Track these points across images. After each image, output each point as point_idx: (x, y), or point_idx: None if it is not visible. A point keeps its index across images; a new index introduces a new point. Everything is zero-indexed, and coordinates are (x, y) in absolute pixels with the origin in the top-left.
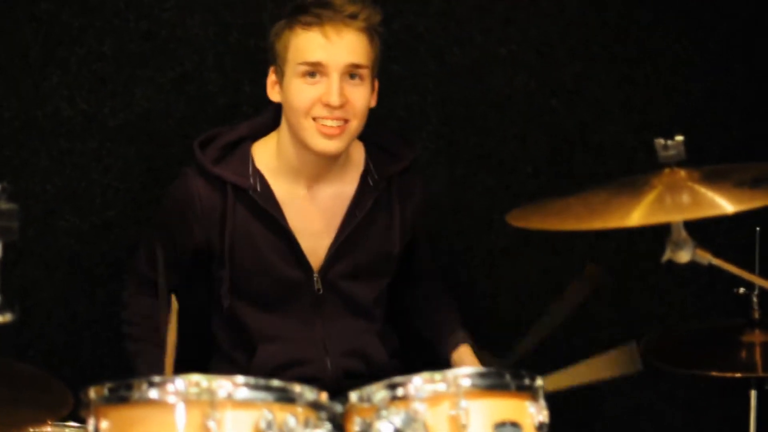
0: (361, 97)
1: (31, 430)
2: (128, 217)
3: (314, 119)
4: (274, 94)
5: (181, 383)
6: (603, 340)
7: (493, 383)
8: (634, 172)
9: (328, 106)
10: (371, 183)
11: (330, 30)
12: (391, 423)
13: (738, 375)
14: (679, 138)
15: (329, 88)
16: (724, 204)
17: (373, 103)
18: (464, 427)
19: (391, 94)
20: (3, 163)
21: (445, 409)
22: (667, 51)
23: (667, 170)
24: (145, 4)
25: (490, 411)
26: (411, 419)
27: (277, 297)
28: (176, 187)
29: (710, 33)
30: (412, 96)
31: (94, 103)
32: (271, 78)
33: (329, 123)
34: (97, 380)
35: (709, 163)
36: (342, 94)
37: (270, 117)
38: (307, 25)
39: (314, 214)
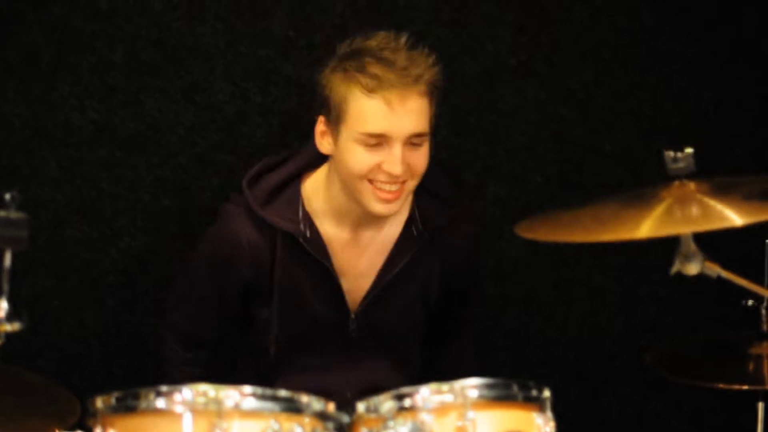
0: (422, 160)
1: None
2: (138, 226)
3: (371, 181)
4: (324, 145)
5: (188, 393)
6: (611, 351)
7: (501, 394)
8: (644, 180)
9: (389, 174)
10: (415, 233)
11: (394, 98)
12: None
13: (745, 387)
14: (689, 150)
15: (391, 157)
16: (734, 217)
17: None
18: None
19: None
20: (13, 172)
21: (452, 420)
22: (678, 59)
23: (676, 182)
24: (155, 12)
25: (497, 422)
26: (418, 430)
27: (310, 337)
28: (222, 227)
29: (721, 41)
30: None
31: (104, 112)
32: (320, 128)
33: (388, 188)
34: (106, 389)
35: (720, 171)
36: (405, 163)
37: (314, 152)
38: (370, 91)
39: (357, 257)
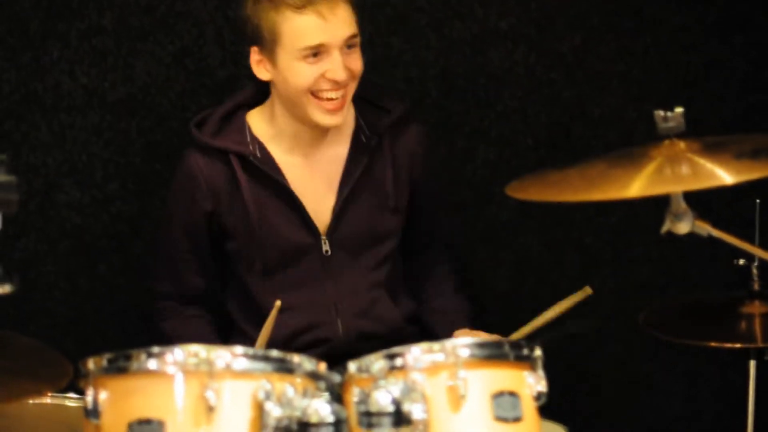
0: (359, 63)
1: (31, 401)
2: (129, 190)
3: (313, 94)
4: (262, 72)
5: (179, 353)
6: (604, 312)
7: (492, 353)
8: (634, 144)
9: (333, 81)
10: (364, 140)
11: (324, 9)
12: (389, 393)
13: (738, 346)
14: (679, 110)
15: (333, 65)
16: (724, 175)
17: None
18: (462, 397)
19: (392, 68)
20: (3, 137)
21: (443, 379)
22: (666, 22)
23: (666, 142)
24: None
25: (489, 381)
26: (409, 389)
27: (286, 263)
28: (179, 169)
29: (709, 4)
30: (413, 69)
31: (94, 76)
32: (255, 57)
33: (332, 95)
34: (99, 353)
35: (709, 134)
36: (346, 68)
37: (257, 89)
38: (300, 8)
39: (314, 178)
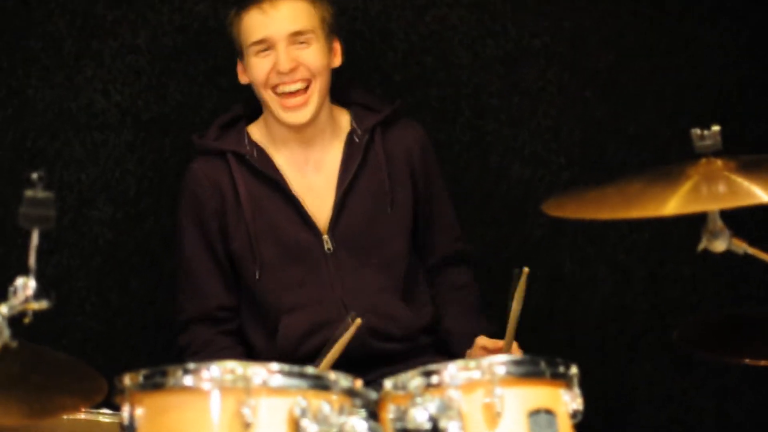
0: (313, 57)
1: (65, 417)
2: (162, 207)
3: (273, 90)
4: (243, 78)
5: (216, 370)
6: (636, 329)
7: (528, 371)
8: (668, 162)
9: (279, 73)
10: (356, 140)
11: (266, 5)
12: (425, 410)
13: None
14: (716, 128)
15: (277, 57)
16: (761, 193)
17: (336, 63)
18: (499, 414)
19: (425, 86)
20: (38, 154)
21: (479, 396)
22: (700, 40)
23: (703, 160)
24: None
25: (525, 399)
26: (446, 407)
27: (290, 263)
28: (184, 178)
29: (743, 22)
30: (445, 88)
31: (127, 95)
32: (239, 67)
33: (288, 89)
34: (130, 369)
35: (742, 152)
36: (291, 59)
37: (256, 102)
38: (246, 7)
39: (311, 179)
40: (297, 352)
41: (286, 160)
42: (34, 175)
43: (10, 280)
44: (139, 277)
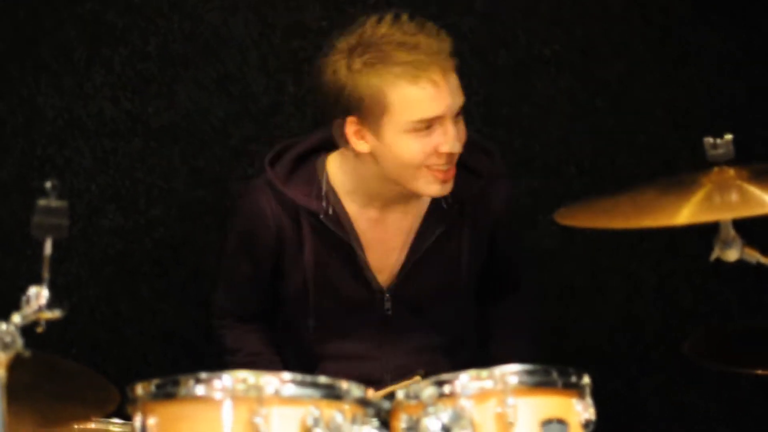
0: (465, 129)
1: (76, 426)
2: (172, 216)
3: (427, 167)
4: (361, 145)
5: (228, 379)
6: (647, 341)
7: (540, 380)
8: (678, 172)
9: (448, 154)
10: (444, 205)
11: (438, 79)
12: (438, 420)
13: None
14: (728, 137)
15: (447, 137)
16: None
17: None
18: (511, 424)
19: None
20: (47, 163)
21: (492, 406)
22: (711, 50)
23: (715, 169)
24: (188, 4)
25: (537, 408)
26: (458, 416)
27: (343, 317)
28: (247, 201)
29: (753, 31)
30: None
31: (137, 103)
32: (353, 128)
33: (444, 168)
34: (140, 379)
35: (753, 161)
36: (459, 139)
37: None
38: (413, 77)
39: (385, 234)
40: None
41: (362, 215)
42: (48, 184)
43: (21, 289)
44: (149, 286)
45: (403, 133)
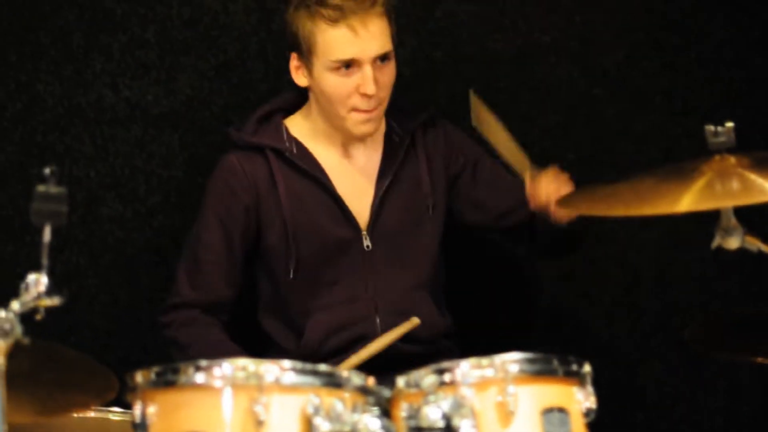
0: (391, 75)
1: (76, 415)
2: (171, 204)
3: (354, 108)
4: (300, 78)
5: (228, 367)
6: (646, 328)
7: (541, 369)
8: (677, 160)
9: (365, 95)
10: (396, 139)
11: (356, 23)
12: (439, 408)
13: None
14: (729, 125)
15: (364, 80)
16: None
17: None
18: (512, 413)
19: (434, 82)
20: (47, 150)
21: (492, 394)
22: (710, 37)
23: (716, 157)
24: None
25: (538, 397)
26: (459, 405)
27: (326, 261)
28: (218, 166)
29: (754, 18)
30: (455, 83)
31: (137, 90)
32: (294, 63)
33: (366, 107)
34: (139, 366)
35: (753, 149)
36: (376, 81)
37: (296, 94)
38: (332, 21)
39: (352, 176)
40: (320, 350)
41: (327, 158)
42: (47, 171)
43: (20, 277)
44: (148, 275)
45: (327, 71)
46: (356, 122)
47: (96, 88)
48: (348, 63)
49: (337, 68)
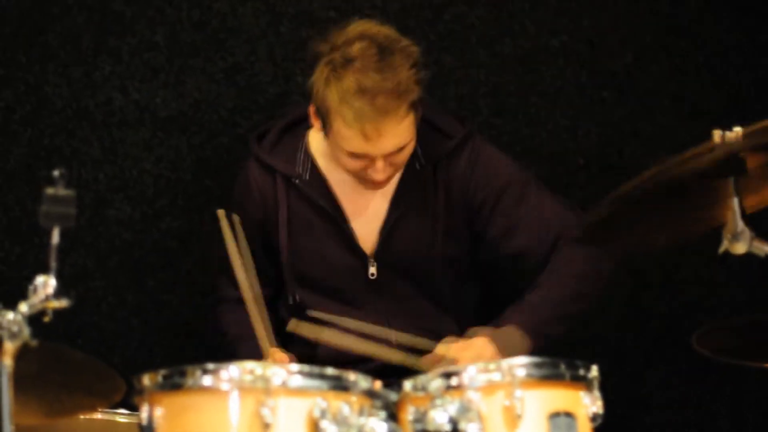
0: (405, 156)
1: (83, 417)
2: (179, 206)
3: (362, 177)
4: (316, 125)
5: (235, 370)
6: (653, 333)
7: (548, 373)
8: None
9: (372, 181)
10: (418, 167)
11: (371, 131)
12: (445, 412)
13: None
14: (738, 129)
15: (374, 170)
16: None
17: None
18: (519, 417)
19: (442, 85)
20: (55, 152)
21: (499, 398)
22: (719, 41)
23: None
24: None
25: (545, 401)
26: (465, 409)
27: (334, 285)
28: (237, 180)
29: (762, 22)
30: (464, 87)
31: (145, 92)
32: (312, 111)
33: (377, 180)
34: (146, 369)
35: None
36: (387, 168)
37: None
38: (347, 124)
39: (365, 199)
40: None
41: (340, 179)
42: (56, 173)
43: (28, 279)
44: (155, 277)
45: (341, 152)
46: (366, 184)
47: (104, 91)
48: (359, 155)
49: (349, 154)
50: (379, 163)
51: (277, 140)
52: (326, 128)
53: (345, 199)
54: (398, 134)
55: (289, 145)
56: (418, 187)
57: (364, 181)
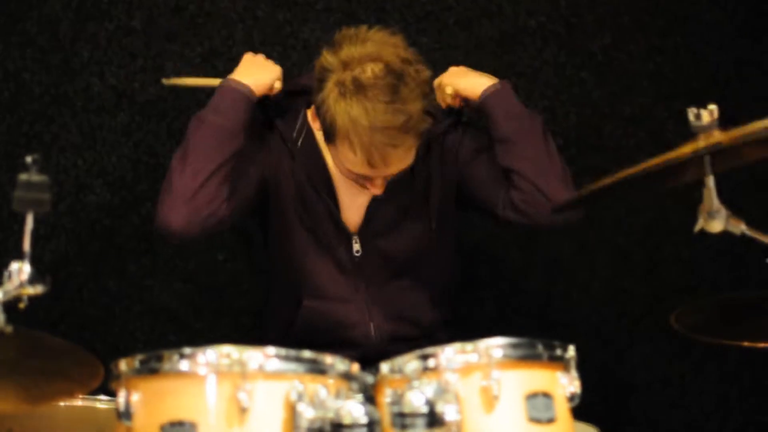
0: (406, 168)
1: (63, 403)
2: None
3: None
4: (315, 125)
5: (212, 354)
6: (635, 312)
7: (525, 354)
8: (665, 143)
9: (372, 192)
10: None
11: (377, 158)
12: (422, 394)
13: None
14: (712, 107)
15: (374, 184)
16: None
17: None
18: (496, 398)
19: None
20: (34, 138)
21: (477, 379)
22: (697, 20)
23: (701, 136)
24: None
25: (522, 382)
26: (442, 390)
27: (320, 257)
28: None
29: (739, 2)
30: (442, 68)
31: (123, 78)
32: (312, 113)
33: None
34: (127, 354)
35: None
36: (385, 182)
37: None
38: (354, 148)
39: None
40: (312, 343)
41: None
42: (29, 159)
43: (5, 265)
44: (136, 263)
45: (340, 162)
46: (362, 187)
47: (83, 77)
48: (360, 175)
49: (349, 170)
50: (379, 181)
51: (295, 83)
52: (329, 138)
53: (338, 173)
54: (403, 160)
55: (293, 112)
56: (410, 170)
57: (361, 186)
